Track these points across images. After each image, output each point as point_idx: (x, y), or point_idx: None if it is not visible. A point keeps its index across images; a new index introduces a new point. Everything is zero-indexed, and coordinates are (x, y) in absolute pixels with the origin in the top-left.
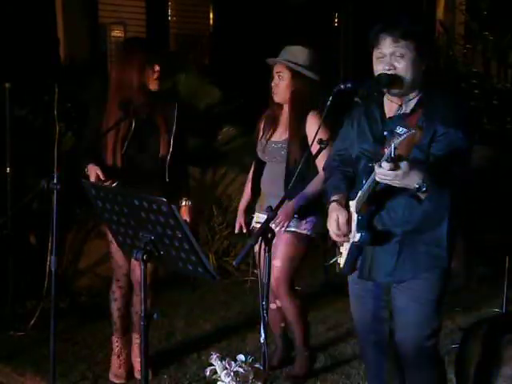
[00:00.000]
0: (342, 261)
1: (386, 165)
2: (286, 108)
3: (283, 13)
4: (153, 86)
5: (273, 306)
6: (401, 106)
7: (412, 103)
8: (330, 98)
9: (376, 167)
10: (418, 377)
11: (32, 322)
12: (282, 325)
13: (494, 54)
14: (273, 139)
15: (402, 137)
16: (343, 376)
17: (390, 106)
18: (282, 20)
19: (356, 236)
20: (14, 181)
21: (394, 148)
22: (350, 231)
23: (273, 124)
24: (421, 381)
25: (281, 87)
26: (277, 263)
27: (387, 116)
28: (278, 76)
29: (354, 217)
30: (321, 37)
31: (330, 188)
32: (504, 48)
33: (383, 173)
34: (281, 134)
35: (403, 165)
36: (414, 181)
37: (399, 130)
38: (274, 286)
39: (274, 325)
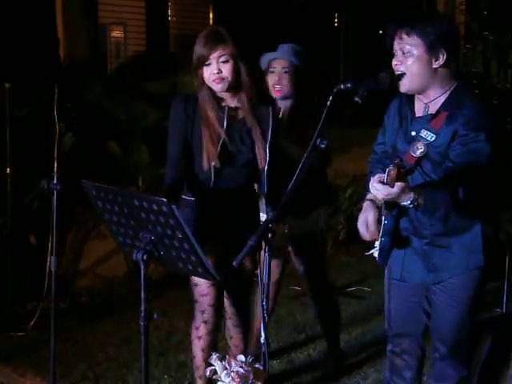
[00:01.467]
0: (376, 254)
1: (379, 186)
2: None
3: (283, 13)
4: (213, 86)
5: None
6: (427, 105)
7: (437, 104)
8: (330, 98)
9: (370, 185)
10: (449, 372)
11: (32, 322)
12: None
13: (494, 53)
14: None
15: (390, 167)
16: (343, 376)
17: (419, 104)
18: (282, 20)
19: (378, 240)
20: (14, 181)
21: (387, 174)
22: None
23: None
24: (452, 376)
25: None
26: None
27: (416, 115)
28: (284, 71)
29: (383, 219)
30: (321, 37)
31: (368, 185)
32: (504, 48)
33: (374, 191)
34: None
35: (394, 190)
36: (405, 199)
37: (424, 133)
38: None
39: None
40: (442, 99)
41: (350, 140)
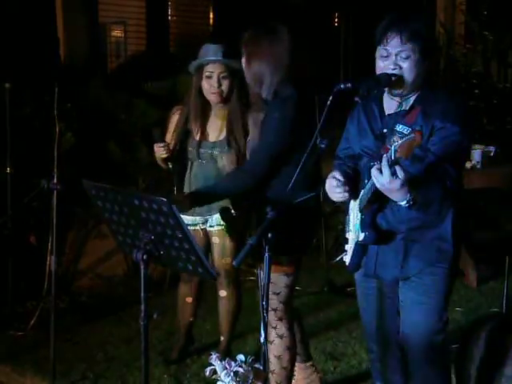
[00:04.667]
0: (347, 259)
1: (386, 172)
2: (220, 107)
3: (283, 12)
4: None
5: (189, 299)
6: (401, 103)
7: (411, 100)
8: (330, 98)
9: (373, 170)
10: (424, 373)
11: (32, 322)
12: (191, 319)
13: (494, 54)
14: (209, 139)
15: (403, 140)
16: (343, 376)
17: (390, 102)
18: (282, 20)
19: (360, 235)
20: (14, 181)
21: (395, 151)
22: (351, 192)
23: (202, 124)
24: (428, 377)
25: (227, 87)
26: (227, 260)
27: (386, 113)
28: (223, 76)
29: (358, 216)
30: (321, 37)
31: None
32: (504, 48)
33: (376, 176)
34: (217, 134)
35: (394, 183)
36: (398, 198)
37: (399, 127)
38: (222, 278)
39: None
40: (415, 95)
41: None
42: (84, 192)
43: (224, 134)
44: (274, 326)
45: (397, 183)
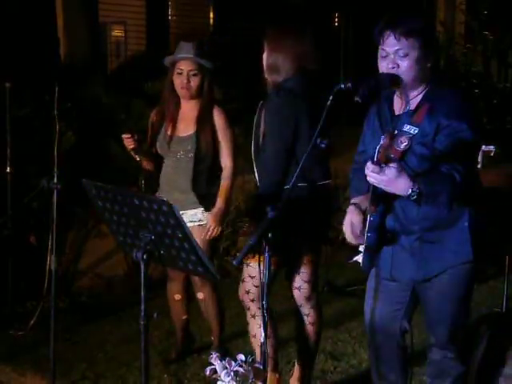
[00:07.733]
0: (360, 259)
1: (370, 166)
2: (191, 104)
3: (283, 12)
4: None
5: (177, 296)
6: (408, 102)
7: (417, 99)
8: (330, 98)
9: (365, 168)
10: (446, 371)
11: (32, 321)
12: (185, 317)
13: (494, 53)
14: (178, 134)
15: (381, 142)
16: (343, 376)
17: (399, 103)
18: (282, 20)
19: (364, 237)
20: (14, 181)
21: (378, 151)
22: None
23: (173, 119)
24: (449, 375)
25: (196, 84)
26: None
27: (396, 113)
28: (193, 74)
29: (368, 217)
30: (321, 37)
31: (352, 190)
32: (504, 48)
33: (369, 174)
34: (186, 129)
35: (389, 171)
36: (401, 189)
37: (406, 127)
38: (195, 279)
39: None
40: (422, 94)
41: (350, 139)
42: (84, 192)
43: (193, 128)
44: (308, 297)
45: (392, 171)
